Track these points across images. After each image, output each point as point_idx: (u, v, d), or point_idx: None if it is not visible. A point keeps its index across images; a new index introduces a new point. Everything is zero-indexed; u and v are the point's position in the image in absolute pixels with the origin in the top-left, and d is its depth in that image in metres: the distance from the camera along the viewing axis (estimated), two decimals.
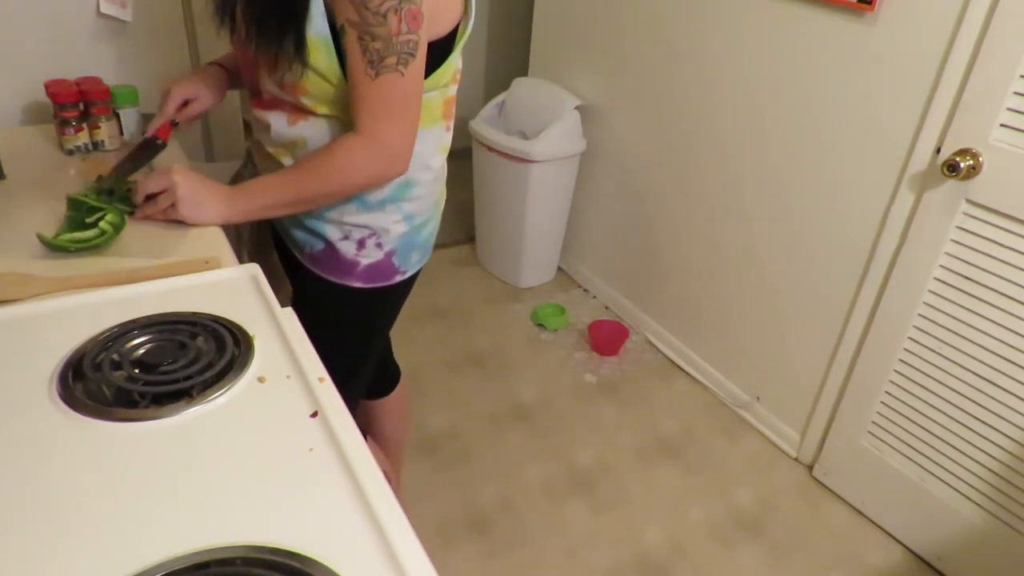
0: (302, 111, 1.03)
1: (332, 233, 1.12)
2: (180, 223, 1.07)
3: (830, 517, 1.87)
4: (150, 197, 1.06)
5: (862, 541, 1.81)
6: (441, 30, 1.01)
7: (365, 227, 1.12)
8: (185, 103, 1.20)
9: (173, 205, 1.04)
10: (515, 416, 2.12)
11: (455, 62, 1.07)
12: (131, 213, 1.07)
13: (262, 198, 1.05)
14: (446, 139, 1.15)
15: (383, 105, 0.96)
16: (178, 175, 1.04)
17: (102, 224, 1.02)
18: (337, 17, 0.92)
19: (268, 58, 0.98)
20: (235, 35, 1.04)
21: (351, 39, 0.92)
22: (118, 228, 1.03)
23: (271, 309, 0.90)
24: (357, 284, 1.16)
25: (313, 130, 1.04)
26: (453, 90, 1.11)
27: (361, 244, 1.13)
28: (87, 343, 0.82)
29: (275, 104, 1.05)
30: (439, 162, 1.15)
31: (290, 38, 0.93)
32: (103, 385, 0.76)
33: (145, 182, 1.06)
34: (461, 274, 2.82)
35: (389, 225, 1.12)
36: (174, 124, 1.21)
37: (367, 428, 1.56)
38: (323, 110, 1.02)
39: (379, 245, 1.14)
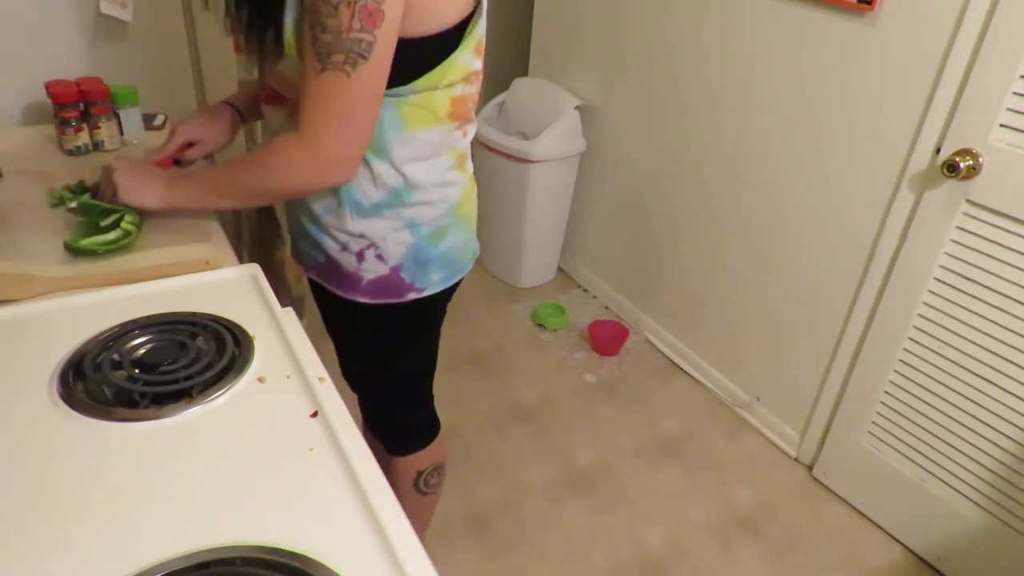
0: (295, 104, 1.02)
1: (329, 245, 1.07)
2: (183, 222, 1.08)
3: (830, 517, 1.87)
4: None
5: (862, 541, 1.81)
6: (437, 25, 0.95)
7: (361, 236, 1.04)
8: (190, 145, 1.20)
9: (115, 192, 1.05)
10: (515, 416, 2.12)
11: (465, 61, 1.00)
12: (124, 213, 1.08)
13: (201, 187, 1.03)
14: (458, 141, 1.06)
15: (321, 104, 0.90)
16: (115, 162, 1.07)
17: (124, 225, 1.02)
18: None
19: (255, 49, 0.97)
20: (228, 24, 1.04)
21: (308, 27, 0.88)
22: (139, 227, 1.04)
23: (271, 309, 0.90)
24: (363, 300, 1.09)
25: None
26: (466, 89, 1.04)
27: (360, 256, 1.06)
28: (87, 343, 0.82)
29: (275, 98, 1.05)
30: (447, 164, 1.06)
31: (271, 31, 0.93)
32: (103, 385, 0.76)
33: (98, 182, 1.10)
34: None
35: (387, 234, 1.04)
36: (177, 163, 1.20)
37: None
38: None
39: (380, 257, 1.06)
